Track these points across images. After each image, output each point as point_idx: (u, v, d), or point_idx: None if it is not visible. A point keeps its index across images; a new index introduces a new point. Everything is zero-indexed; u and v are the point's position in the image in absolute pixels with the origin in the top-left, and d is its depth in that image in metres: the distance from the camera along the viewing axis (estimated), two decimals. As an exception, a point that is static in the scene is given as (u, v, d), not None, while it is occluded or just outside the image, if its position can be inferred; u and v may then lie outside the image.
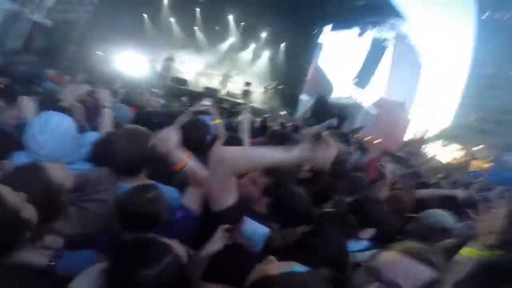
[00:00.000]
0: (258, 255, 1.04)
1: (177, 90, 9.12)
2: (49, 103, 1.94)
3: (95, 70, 8.18)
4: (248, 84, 11.49)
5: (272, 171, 1.36)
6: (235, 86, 11.52)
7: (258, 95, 12.08)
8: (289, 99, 12.07)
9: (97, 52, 9.42)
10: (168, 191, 1.36)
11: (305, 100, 13.05)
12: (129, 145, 1.28)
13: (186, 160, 1.21)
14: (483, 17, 40.67)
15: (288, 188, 1.36)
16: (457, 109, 41.36)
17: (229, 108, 6.08)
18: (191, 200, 1.27)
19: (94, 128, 1.76)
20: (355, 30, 11.40)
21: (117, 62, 9.61)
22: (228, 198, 1.17)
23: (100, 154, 1.29)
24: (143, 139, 1.31)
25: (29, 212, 0.81)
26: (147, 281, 0.79)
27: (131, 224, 1.13)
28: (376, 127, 13.55)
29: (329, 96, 16.50)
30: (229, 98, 10.59)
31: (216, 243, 1.10)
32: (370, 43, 12.11)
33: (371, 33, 11.63)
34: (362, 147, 4.13)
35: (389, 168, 2.40)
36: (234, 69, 11.97)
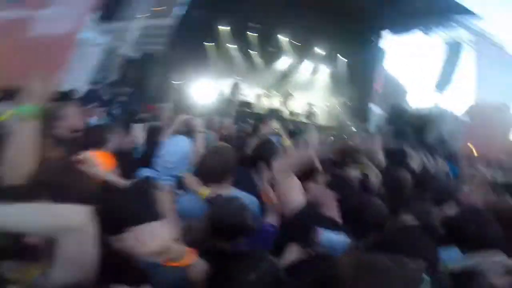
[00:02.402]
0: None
1: (244, 113, 9.73)
2: (153, 130, 2.47)
3: (175, 99, 9.35)
4: (310, 105, 11.40)
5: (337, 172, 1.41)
6: (297, 105, 11.58)
7: (323, 113, 11.83)
8: (358, 112, 11.41)
9: (176, 82, 10.60)
10: (250, 200, 1.56)
11: (377, 111, 12.08)
12: (213, 157, 1.61)
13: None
14: None
15: (360, 193, 1.34)
16: None
17: (294, 129, 6.14)
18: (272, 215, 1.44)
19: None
20: (417, 33, 10.42)
21: (190, 91, 10.70)
22: (296, 198, 1.33)
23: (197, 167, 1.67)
24: (225, 153, 1.64)
25: None
26: (247, 285, 0.89)
27: (220, 233, 1.25)
28: (471, 135, 11.35)
29: (404, 103, 14.84)
30: (292, 118, 10.70)
31: (292, 255, 1.16)
32: (444, 45, 10.72)
33: (440, 35, 10.37)
34: (451, 157, 3.57)
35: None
36: (294, 89, 12.06)
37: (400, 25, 10.75)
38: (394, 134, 6.44)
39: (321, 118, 11.47)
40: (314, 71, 12.57)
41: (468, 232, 1.21)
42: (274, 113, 10.22)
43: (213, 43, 12.13)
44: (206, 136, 2.68)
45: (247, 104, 11.13)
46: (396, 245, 0.99)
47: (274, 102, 12.00)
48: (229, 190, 1.57)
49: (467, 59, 10.94)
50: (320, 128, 8.72)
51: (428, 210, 1.40)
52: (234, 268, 0.93)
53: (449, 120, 11.37)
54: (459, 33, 10.31)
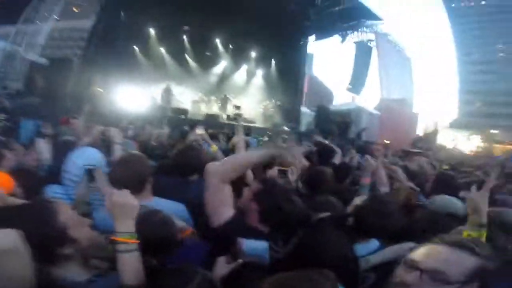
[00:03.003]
0: (266, 269, 1.06)
1: (179, 120, 9.33)
2: (63, 144, 2.15)
3: (97, 107, 8.29)
4: (237, 107, 11.60)
5: (265, 180, 1.42)
6: (234, 109, 11.67)
7: (258, 115, 12.16)
8: (289, 113, 12.03)
9: (97, 88, 9.42)
10: (175, 207, 1.47)
11: (307, 112, 13.14)
12: (123, 167, 1.48)
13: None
14: (453, 5, 41.42)
15: (279, 194, 1.34)
16: (460, 97, 40.98)
17: (228, 133, 6.12)
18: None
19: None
20: (337, 37, 11.74)
21: (117, 97, 9.67)
22: (225, 212, 1.25)
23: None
24: (136, 162, 1.52)
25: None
26: None
27: (146, 248, 1.15)
28: (382, 129, 13.45)
29: (330, 104, 16.55)
30: (230, 122, 10.71)
31: (221, 269, 1.13)
32: (355, 47, 12.35)
33: (353, 38, 11.92)
34: (363, 150, 4.12)
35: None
36: (231, 92, 12.11)
37: (323, 30, 11.78)
38: (322, 133, 7.07)
39: (258, 120, 11.81)
40: (250, 75, 12.85)
41: (369, 222, 1.32)
42: (211, 119, 10.13)
43: (142, 47, 11.35)
44: (126, 146, 2.45)
45: (182, 111, 10.67)
46: (311, 247, 1.05)
47: (212, 107, 11.91)
48: (147, 201, 1.45)
49: (373, 59, 12.83)
50: (257, 130, 8.99)
51: (340, 205, 1.53)
52: (165, 284, 0.90)
53: (365, 115, 13.20)
54: (367, 36, 12.05)
